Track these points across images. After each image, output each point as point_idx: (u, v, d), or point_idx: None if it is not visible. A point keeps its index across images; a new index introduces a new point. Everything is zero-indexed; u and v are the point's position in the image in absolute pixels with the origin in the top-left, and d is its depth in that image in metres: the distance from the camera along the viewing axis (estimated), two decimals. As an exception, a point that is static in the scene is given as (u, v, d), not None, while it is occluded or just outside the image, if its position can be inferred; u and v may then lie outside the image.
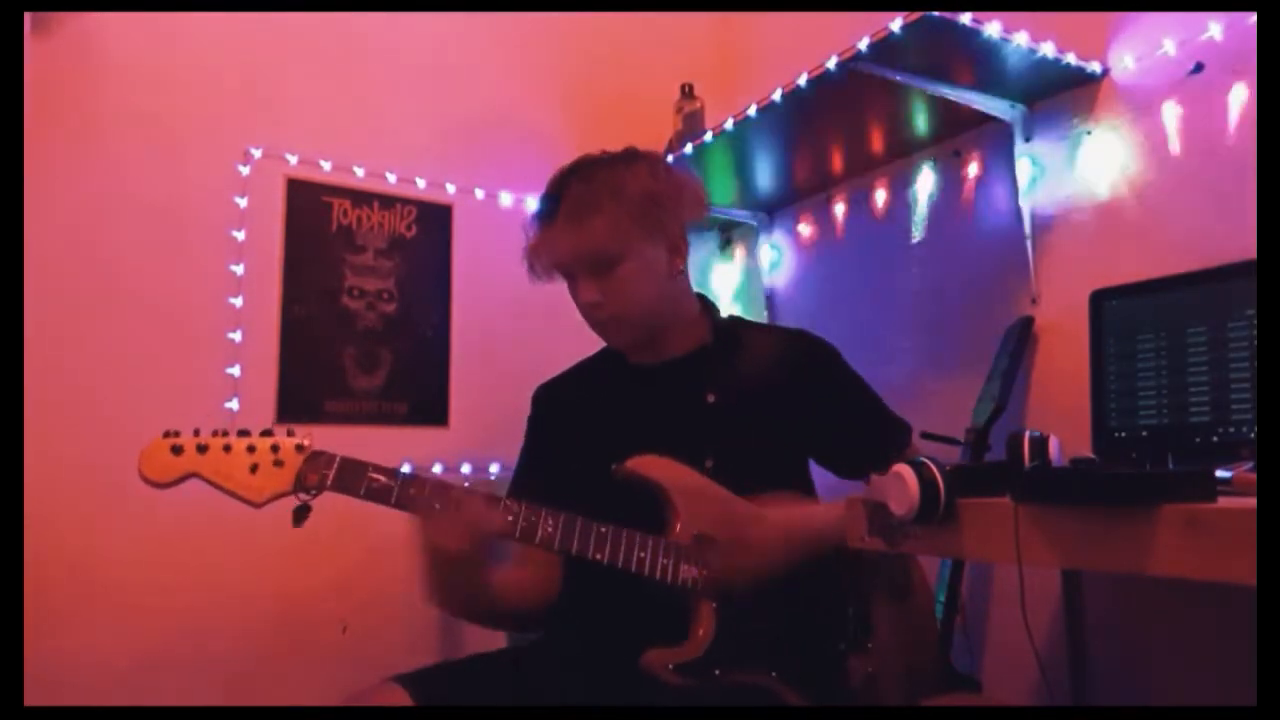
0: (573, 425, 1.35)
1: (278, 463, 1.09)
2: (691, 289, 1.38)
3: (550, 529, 1.13)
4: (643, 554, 1.15)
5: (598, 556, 1.13)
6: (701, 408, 1.30)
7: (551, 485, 1.21)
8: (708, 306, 1.40)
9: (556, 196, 1.27)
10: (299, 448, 1.10)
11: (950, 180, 1.91)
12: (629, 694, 1.10)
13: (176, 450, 1.06)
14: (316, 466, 1.09)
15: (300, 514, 1.09)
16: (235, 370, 1.92)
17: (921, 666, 1.28)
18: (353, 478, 1.10)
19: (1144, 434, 1.32)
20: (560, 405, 1.40)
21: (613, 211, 1.23)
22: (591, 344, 1.43)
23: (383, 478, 1.11)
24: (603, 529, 1.15)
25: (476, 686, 1.14)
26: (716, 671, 1.14)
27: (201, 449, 1.07)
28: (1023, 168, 1.71)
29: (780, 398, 1.32)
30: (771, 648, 1.18)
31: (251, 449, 1.09)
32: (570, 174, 1.29)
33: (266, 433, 1.10)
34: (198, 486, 1.08)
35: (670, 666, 1.12)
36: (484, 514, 1.10)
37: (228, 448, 1.08)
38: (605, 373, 1.39)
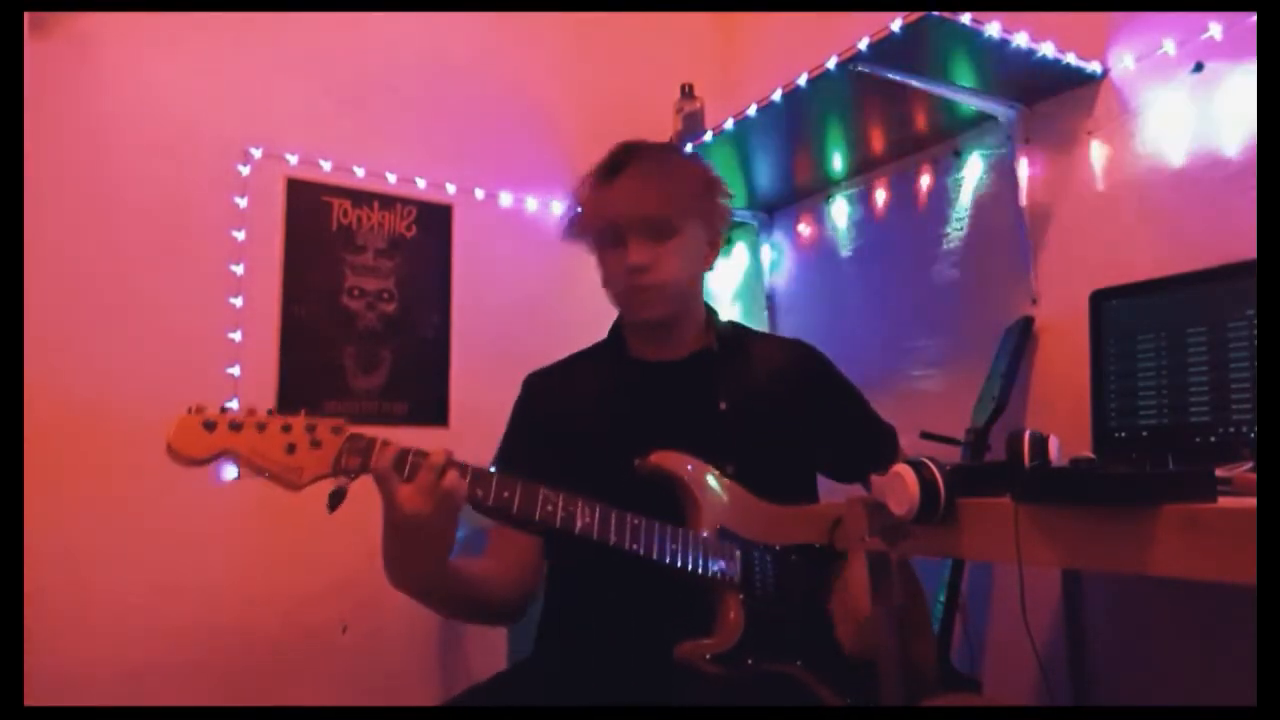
0: (569, 418, 1.33)
1: (315, 443, 1.02)
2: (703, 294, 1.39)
3: (588, 519, 1.11)
4: (674, 546, 1.15)
5: (634, 548, 1.12)
6: (714, 414, 1.30)
7: (539, 475, 1.20)
8: (710, 311, 1.41)
9: (625, 157, 1.27)
10: (335, 430, 1.04)
11: (950, 180, 1.91)
12: (661, 685, 1.10)
13: (209, 426, 0.99)
14: (356, 449, 1.04)
15: (336, 498, 1.03)
16: (235, 370, 1.92)
17: (920, 656, 1.29)
18: (396, 462, 1.04)
19: (1144, 434, 1.32)
20: (555, 396, 1.37)
21: (679, 185, 1.26)
22: (592, 342, 1.42)
23: (421, 459, 1.04)
24: (635, 521, 1.14)
25: (519, 687, 1.15)
26: (750, 661, 1.15)
27: (235, 426, 0.99)
28: (1023, 168, 1.71)
29: (786, 407, 1.33)
30: (794, 637, 1.19)
31: (287, 428, 1.02)
32: (636, 145, 1.30)
33: (294, 413, 1.04)
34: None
35: (708, 657, 1.13)
36: (458, 478, 1.04)
37: (262, 426, 1.01)
38: (605, 368, 1.37)
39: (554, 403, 1.36)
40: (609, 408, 1.32)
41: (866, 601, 1.19)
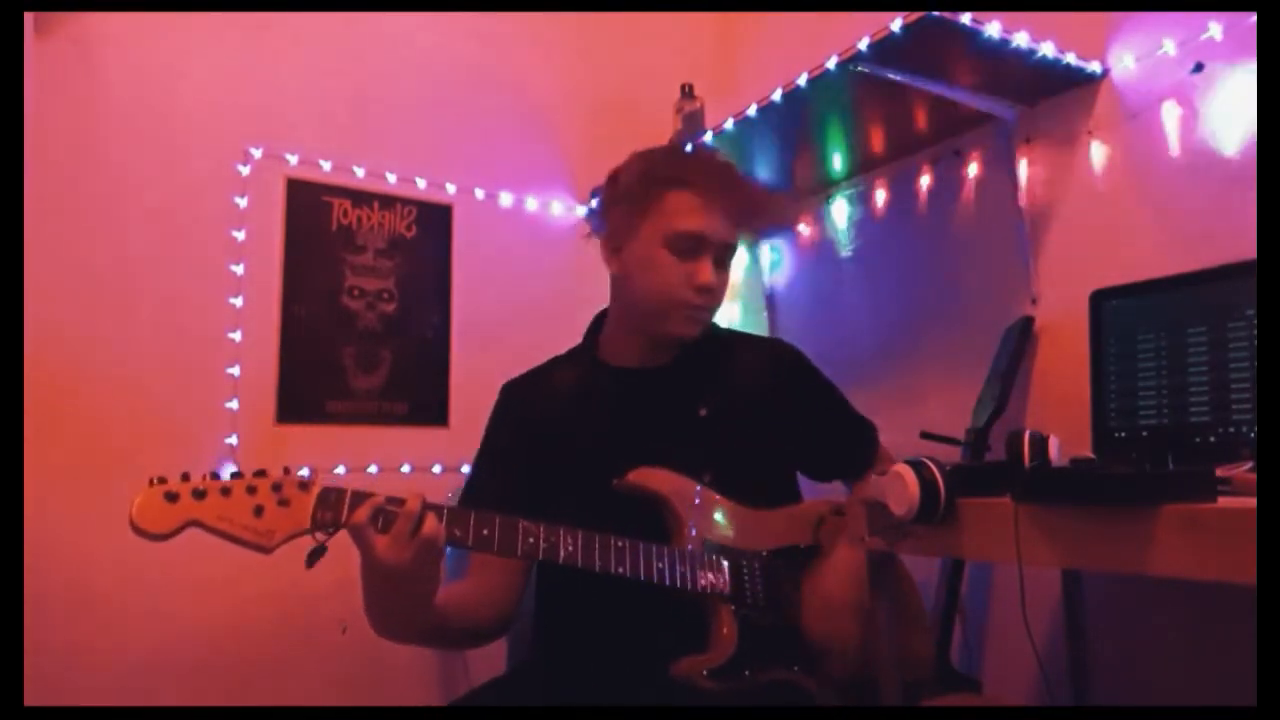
0: (548, 428, 1.31)
1: (282, 502, 1.02)
2: None
3: (571, 548, 1.10)
4: (660, 564, 1.15)
5: (620, 570, 1.12)
6: (694, 421, 1.29)
7: (517, 487, 1.19)
8: None
9: (729, 175, 1.30)
10: (302, 485, 1.03)
11: (950, 180, 1.91)
12: (658, 699, 1.10)
13: (171, 497, 0.98)
14: (327, 503, 1.03)
15: (315, 555, 1.04)
16: (235, 370, 1.92)
17: (917, 648, 1.29)
18: (371, 516, 1.04)
19: (1144, 434, 1.32)
20: (533, 405, 1.36)
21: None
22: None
23: (396, 509, 1.05)
24: (619, 543, 1.13)
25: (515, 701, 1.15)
26: (747, 672, 1.15)
27: (198, 494, 0.99)
28: (1023, 168, 1.71)
29: (765, 409, 1.33)
30: (788, 643, 1.19)
31: (252, 490, 1.01)
32: (730, 163, 1.33)
33: (260, 473, 1.03)
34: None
35: (705, 673, 1.12)
36: (436, 526, 1.03)
37: (226, 491, 1.00)
38: (583, 376, 1.35)
39: (532, 412, 1.35)
40: (587, 417, 1.30)
41: (841, 590, 1.18)
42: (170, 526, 0.97)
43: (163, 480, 0.98)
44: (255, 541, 1.01)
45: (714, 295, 1.26)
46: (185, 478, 0.99)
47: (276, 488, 1.02)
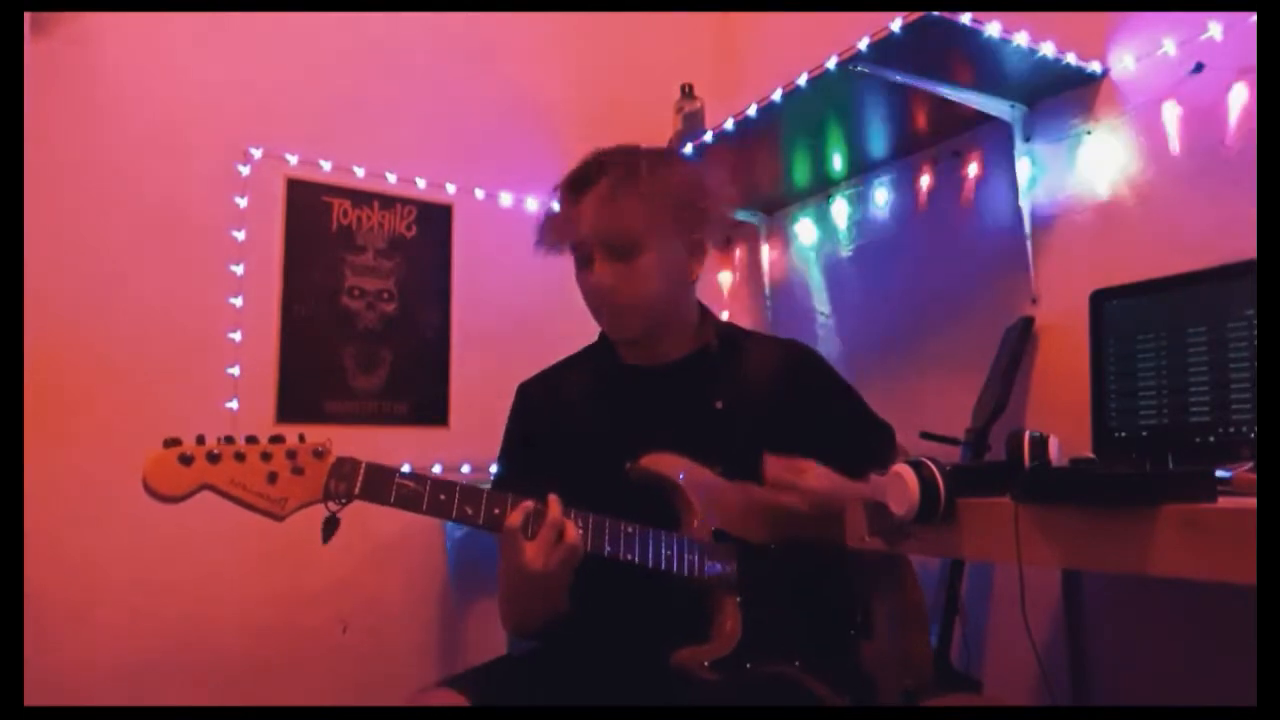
0: (564, 424, 1.32)
1: (296, 470, 1.00)
2: (695, 296, 1.37)
3: (581, 530, 1.11)
4: (669, 551, 1.15)
5: (628, 557, 1.12)
6: (710, 414, 1.29)
7: (539, 485, 1.20)
8: (705, 313, 1.39)
9: (591, 174, 1.23)
10: (317, 453, 1.01)
11: (950, 180, 1.91)
12: (659, 692, 1.10)
13: (185, 460, 0.95)
14: (341, 474, 1.02)
15: (330, 527, 1.01)
16: (235, 370, 1.92)
17: (917, 651, 1.29)
18: (380, 484, 1.04)
19: (1144, 434, 1.32)
20: (549, 403, 1.36)
21: (650, 199, 1.20)
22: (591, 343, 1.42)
23: (411, 483, 1.05)
24: (629, 529, 1.14)
25: (518, 687, 1.15)
26: (748, 665, 1.15)
27: (212, 458, 0.96)
28: (1023, 168, 1.71)
29: (781, 407, 1.32)
30: (791, 638, 1.19)
31: (266, 456, 0.99)
32: (612, 153, 1.25)
33: (276, 439, 1.00)
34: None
35: (706, 664, 1.13)
36: (576, 533, 1.08)
37: (240, 455, 0.97)
38: (599, 372, 1.36)
39: (547, 411, 1.35)
40: (601, 413, 1.31)
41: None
42: (183, 490, 0.96)
43: (176, 441, 0.96)
44: (268, 509, 0.98)
45: (613, 293, 1.22)
46: (200, 440, 0.97)
47: (291, 455, 1.00)
